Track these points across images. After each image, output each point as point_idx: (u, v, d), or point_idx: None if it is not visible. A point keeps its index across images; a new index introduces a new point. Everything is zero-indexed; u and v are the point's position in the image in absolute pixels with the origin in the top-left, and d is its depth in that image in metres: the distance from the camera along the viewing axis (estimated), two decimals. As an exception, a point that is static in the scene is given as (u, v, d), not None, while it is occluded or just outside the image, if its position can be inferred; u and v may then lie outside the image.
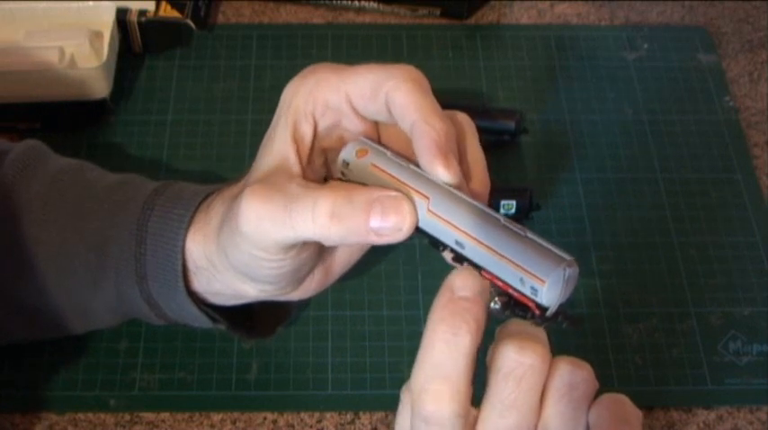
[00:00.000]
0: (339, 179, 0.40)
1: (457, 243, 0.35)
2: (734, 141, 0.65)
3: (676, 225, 0.60)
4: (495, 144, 0.63)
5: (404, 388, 0.34)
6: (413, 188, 0.36)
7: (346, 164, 0.38)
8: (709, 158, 0.64)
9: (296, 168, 0.38)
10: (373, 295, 0.56)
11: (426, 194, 0.35)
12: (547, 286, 0.32)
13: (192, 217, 0.43)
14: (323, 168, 0.41)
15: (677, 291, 0.57)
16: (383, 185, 0.37)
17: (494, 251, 0.34)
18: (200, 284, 0.44)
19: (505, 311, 0.34)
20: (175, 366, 0.53)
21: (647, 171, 0.63)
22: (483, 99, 0.67)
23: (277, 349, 0.54)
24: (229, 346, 0.54)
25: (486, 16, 0.73)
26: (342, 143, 0.40)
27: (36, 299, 0.46)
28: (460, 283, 0.32)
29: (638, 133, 0.65)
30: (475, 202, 0.35)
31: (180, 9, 0.67)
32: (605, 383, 0.53)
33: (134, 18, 0.65)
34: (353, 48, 0.70)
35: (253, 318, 0.49)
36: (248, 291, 0.43)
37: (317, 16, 0.72)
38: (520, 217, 0.58)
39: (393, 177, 0.36)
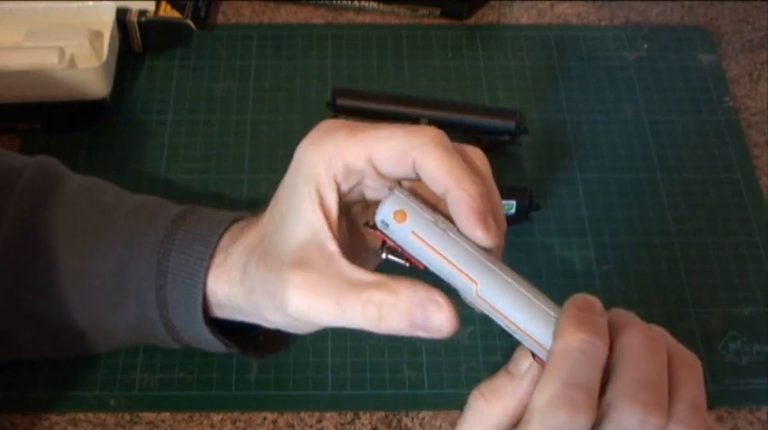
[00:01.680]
0: (374, 229, 0.38)
1: (507, 327, 0.36)
2: (734, 141, 0.65)
3: (676, 225, 0.60)
4: (495, 144, 0.63)
5: (475, 393, 0.35)
6: (460, 269, 0.36)
7: (386, 225, 0.37)
8: (709, 158, 0.64)
9: (332, 246, 0.38)
10: (373, 295, 0.56)
11: (474, 279, 0.35)
12: None
13: (212, 255, 0.44)
14: (345, 222, 0.41)
15: (677, 291, 0.57)
16: (425, 258, 0.37)
17: (542, 347, 0.35)
18: (222, 316, 0.45)
19: None
20: (175, 366, 0.53)
21: (647, 171, 0.63)
22: (483, 99, 0.67)
23: (277, 349, 0.54)
24: (229, 346, 0.54)
25: (486, 16, 0.73)
26: (362, 197, 0.40)
27: (54, 314, 0.46)
28: (587, 303, 0.34)
29: (638, 133, 0.65)
30: (524, 291, 0.35)
31: (180, 9, 0.67)
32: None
33: (134, 18, 0.65)
34: (353, 48, 0.70)
35: (257, 331, 0.49)
36: (270, 326, 0.44)
37: (317, 16, 0.72)
38: (520, 217, 0.58)
39: (437, 252, 0.36)
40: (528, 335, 0.35)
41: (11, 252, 0.46)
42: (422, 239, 0.36)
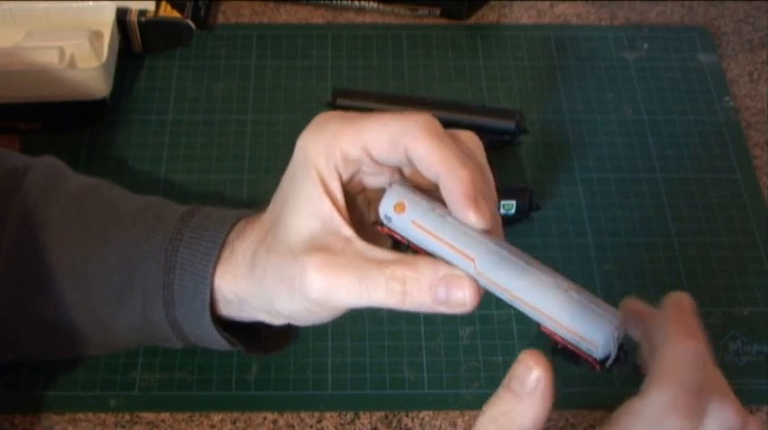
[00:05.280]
0: (379, 224, 0.40)
1: (508, 300, 0.36)
2: (734, 141, 0.65)
3: (676, 225, 0.60)
4: (495, 144, 0.63)
5: (485, 421, 0.34)
6: (458, 249, 0.37)
7: (389, 218, 0.39)
8: (709, 158, 0.64)
9: (347, 231, 0.39)
10: (373, 295, 0.56)
11: (471, 256, 0.36)
12: (600, 348, 0.35)
13: (220, 250, 0.44)
14: (352, 215, 0.41)
15: (677, 290, 0.57)
16: (427, 245, 0.38)
17: (545, 315, 0.36)
18: (228, 313, 0.45)
19: (568, 361, 0.36)
20: (175, 366, 0.53)
21: (647, 171, 0.63)
22: (483, 99, 0.67)
23: (277, 349, 0.53)
24: (229, 346, 0.54)
25: (486, 16, 0.73)
26: (363, 187, 0.41)
27: (57, 315, 0.46)
28: (686, 305, 0.36)
29: (638, 133, 0.65)
30: (520, 261, 0.36)
31: (180, 9, 0.67)
32: (606, 384, 0.53)
33: (134, 18, 0.65)
34: (353, 48, 0.70)
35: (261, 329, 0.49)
36: (276, 322, 0.44)
37: (317, 16, 0.72)
38: (520, 217, 0.58)
39: (435, 237, 0.37)
40: (528, 304, 0.36)
41: (15, 252, 0.46)
42: (421, 226, 0.38)
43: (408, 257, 0.38)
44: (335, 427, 0.51)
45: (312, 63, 0.69)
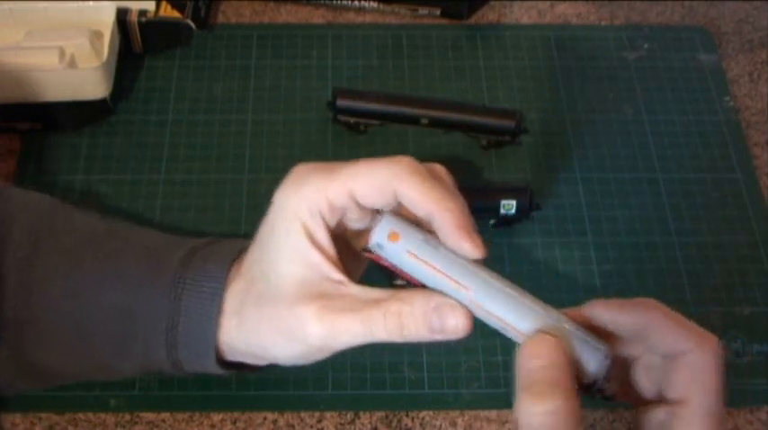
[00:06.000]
0: (370, 252, 0.40)
1: (500, 328, 0.38)
2: (734, 141, 0.65)
3: (676, 225, 0.60)
4: (495, 144, 0.63)
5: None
6: (453, 279, 0.38)
7: (380, 247, 0.40)
8: (709, 158, 0.64)
9: (338, 275, 0.40)
10: (373, 295, 0.56)
11: (467, 286, 0.38)
12: (590, 375, 0.37)
13: (223, 291, 0.44)
14: (339, 251, 0.42)
15: (677, 291, 0.57)
16: (420, 274, 0.39)
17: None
18: (225, 355, 0.46)
19: None
20: (175, 366, 0.53)
21: (647, 171, 0.63)
22: (483, 99, 0.67)
23: (277, 349, 0.53)
24: (229, 346, 0.54)
25: (486, 16, 0.73)
26: (345, 229, 0.41)
27: (54, 362, 0.46)
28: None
29: (638, 133, 0.65)
30: (513, 292, 0.38)
31: (180, 9, 0.67)
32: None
33: (134, 18, 0.65)
34: (353, 48, 0.70)
35: None
36: (264, 363, 0.45)
37: (317, 16, 0.72)
38: (520, 217, 0.58)
39: (432, 267, 0.39)
40: (518, 331, 0.37)
41: (15, 310, 0.45)
42: (415, 256, 0.39)
43: (402, 293, 0.39)
44: (335, 427, 0.51)
45: (312, 63, 0.69)
